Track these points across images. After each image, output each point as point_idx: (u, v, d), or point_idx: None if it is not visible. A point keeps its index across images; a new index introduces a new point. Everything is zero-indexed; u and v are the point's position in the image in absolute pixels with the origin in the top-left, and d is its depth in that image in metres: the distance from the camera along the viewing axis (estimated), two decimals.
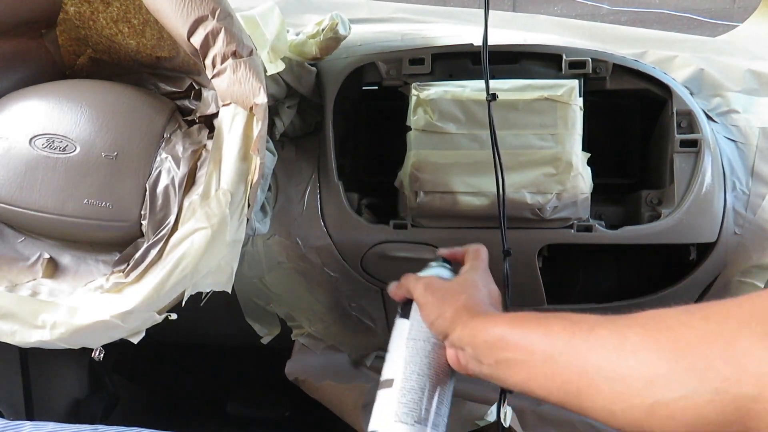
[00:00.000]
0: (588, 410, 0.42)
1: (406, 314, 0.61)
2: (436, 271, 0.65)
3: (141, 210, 0.70)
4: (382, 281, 0.88)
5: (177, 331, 0.80)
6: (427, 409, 0.56)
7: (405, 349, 0.59)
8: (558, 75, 0.83)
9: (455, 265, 0.66)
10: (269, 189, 0.87)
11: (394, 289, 0.65)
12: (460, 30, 0.95)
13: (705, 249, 0.82)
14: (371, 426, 0.57)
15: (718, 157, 0.81)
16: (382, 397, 0.58)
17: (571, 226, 0.81)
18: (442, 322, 0.56)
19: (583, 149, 0.80)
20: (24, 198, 0.70)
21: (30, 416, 1.06)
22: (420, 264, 0.84)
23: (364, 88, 0.89)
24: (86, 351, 0.73)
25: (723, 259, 0.83)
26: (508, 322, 0.50)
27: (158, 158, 0.71)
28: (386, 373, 0.59)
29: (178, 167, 0.70)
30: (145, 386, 1.37)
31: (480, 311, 0.55)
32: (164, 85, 0.81)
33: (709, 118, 0.85)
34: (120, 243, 0.71)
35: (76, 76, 0.83)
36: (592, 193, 0.80)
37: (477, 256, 0.64)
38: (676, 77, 0.86)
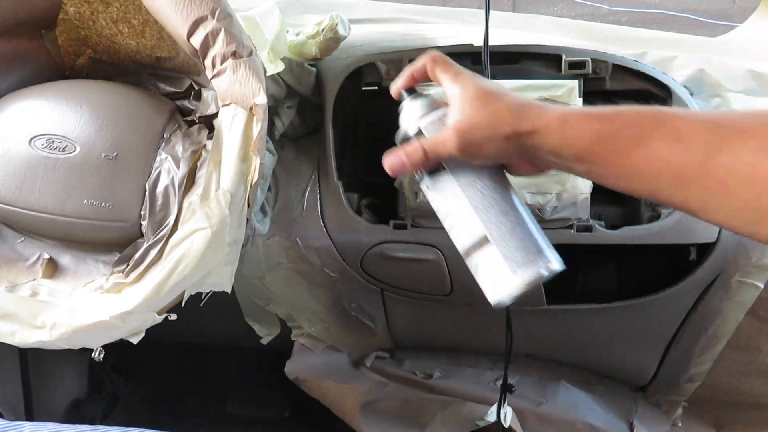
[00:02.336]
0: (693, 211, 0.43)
1: (434, 172, 0.52)
2: (418, 103, 0.54)
3: (141, 210, 0.70)
4: (381, 281, 0.88)
5: (177, 331, 0.80)
6: (531, 235, 0.50)
7: (467, 200, 0.51)
8: (558, 75, 0.83)
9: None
10: (269, 189, 0.87)
11: (412, 161, 0.51)
12: (460, 30, 0.94)
13: (705, 249, 0.82)
14: (492, 298, 0.50)
15: None
16: (484, 259, 0.50)
17: (571, 226, 0.81)
18: (506, 129, 0.47)
19: None
20: (24, 198, 0.70)
21: (30, 416, 1.06)
22: (420, 264, 0.84)
23: (364, 88, 0.89)
24: (86, 351, 0.73)
25: (723, 259, 0.82)
26: (590, 131, 0.45)
27: (158, 158, 0.71)
28: (466, 238, 0.51)
29: (178, 167, 0.70)
30: (145, 386, 1.37)
31: (534, 108, 0.47)
32: (164, 85, 0.81)
33: None
34: (120, 243, 0.71)
35: (76, 76, 0.83)
36: (591, 193, 0.80)
37: (441, 61, 0.52)
38: (676, 77, 0.86)
